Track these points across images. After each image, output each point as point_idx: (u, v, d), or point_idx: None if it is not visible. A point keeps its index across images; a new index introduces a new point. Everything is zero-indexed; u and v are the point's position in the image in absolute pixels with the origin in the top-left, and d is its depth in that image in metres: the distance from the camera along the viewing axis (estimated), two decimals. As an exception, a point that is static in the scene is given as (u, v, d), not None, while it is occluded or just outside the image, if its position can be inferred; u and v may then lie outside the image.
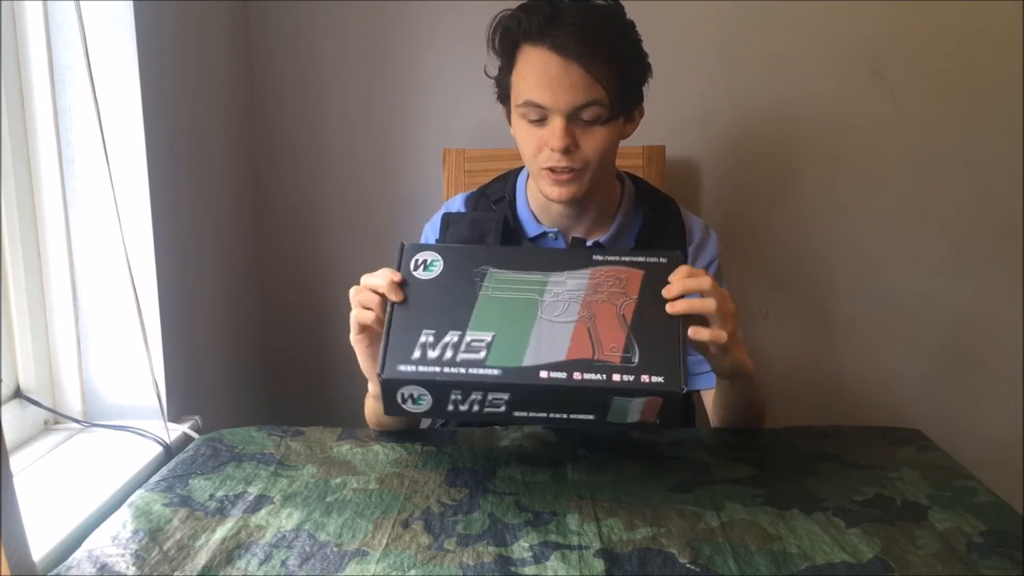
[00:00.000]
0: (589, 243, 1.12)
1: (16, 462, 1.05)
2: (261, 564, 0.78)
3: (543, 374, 0.83)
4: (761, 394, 1.06)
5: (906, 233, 1.64)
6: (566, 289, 0.89)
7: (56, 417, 1.18)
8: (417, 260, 0.92)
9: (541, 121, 1.02)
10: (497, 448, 1.02)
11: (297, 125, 1.64)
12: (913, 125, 1.60)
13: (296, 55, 1.61)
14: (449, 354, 0.84)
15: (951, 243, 1.64)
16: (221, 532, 0.83)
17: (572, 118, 1.01)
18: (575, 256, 0.94)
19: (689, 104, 1.60)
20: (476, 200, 1.19)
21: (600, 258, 0.92)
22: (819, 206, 1.64)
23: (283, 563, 0.78)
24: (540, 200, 1.12)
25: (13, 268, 1.14)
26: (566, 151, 1.01)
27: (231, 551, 0.80)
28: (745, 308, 1.64)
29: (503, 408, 0.85)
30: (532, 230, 1.14)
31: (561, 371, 0.83)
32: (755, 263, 1.66)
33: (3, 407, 1.11)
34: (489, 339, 0.85)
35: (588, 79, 0.99)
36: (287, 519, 0.86)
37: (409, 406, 0.86)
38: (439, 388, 0.84)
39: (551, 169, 1.03)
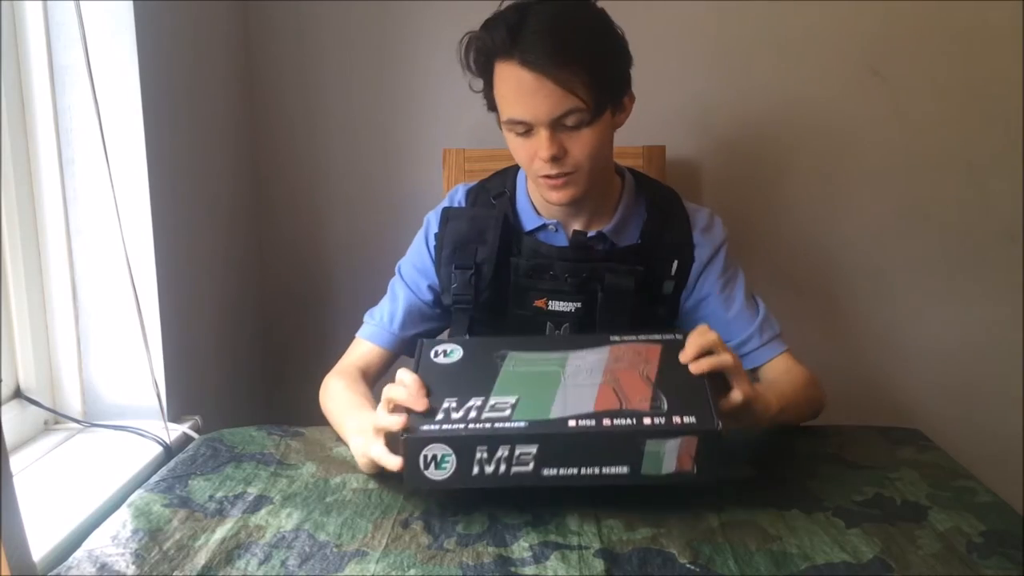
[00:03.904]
0: (590, 234, 1.12)
1: (16, 462, 1.05)
2: (261, 564, 0.78)
3: (572, 423, 0.82)
4: (805, 393, 1.08)
5: (906, 233, 1.64)
6: (587, 362, 0.90)
7: (56, 417, 1.18)
8: (436, 351, 0.93)
9: (528, 133, 1.03)
10: (497, 448, 1.02)
11: (297, 125, 1.64)
12: (913, 125, 1.60)
13: (296, 55, 1.61)
14: (473, 414, 0.83)
15: (951, 243, 1.63)
16: (221, 532, 0.83)
17: (556, 126, 1.01)
18: (592, 337, 0.95)
19: (689, 104, 1.60)
20: (476, 194, 1.19)
21: (617, 338, 0.93)
22: (819, 206, 1.64)
23: (283, 563, 0.78)
24: (539, 194, 1.13)
25: (13, 268, 1.14)
26: (555, 159, 1.02)
27: (231, 551, 0.80)
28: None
29: (531, 466, 0.81)
30: (532, 222, 1.15)
31: (590, 419, 0.82)
32: (755, 263, 1.66)
33: (3, 407, 1.11)
34: (513, 401, 0.85)
35: (562, 89, 0.98)
36: (287, 519, 0.86)
37: (432, 471, 0.81)
38: (464, 446, 0.81)
39: (547, 176, 1.04)
